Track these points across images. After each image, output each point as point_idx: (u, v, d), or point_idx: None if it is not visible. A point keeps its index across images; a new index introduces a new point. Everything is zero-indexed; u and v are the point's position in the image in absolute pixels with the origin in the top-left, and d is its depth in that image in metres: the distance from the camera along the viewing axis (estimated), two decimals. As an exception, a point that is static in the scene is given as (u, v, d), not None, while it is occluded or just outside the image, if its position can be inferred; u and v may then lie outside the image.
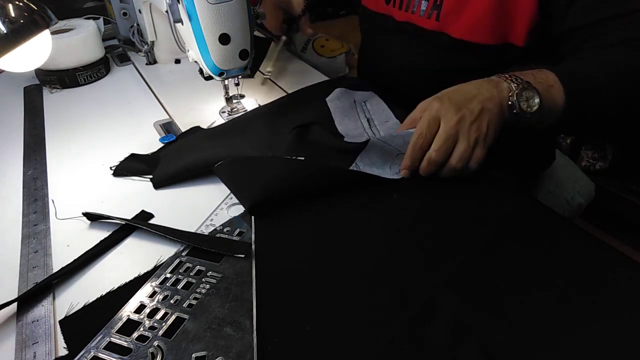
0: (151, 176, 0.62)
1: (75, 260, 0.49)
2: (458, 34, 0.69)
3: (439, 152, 0.53)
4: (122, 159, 0.65)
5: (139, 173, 0.63)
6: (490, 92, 0.54)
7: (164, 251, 0.50)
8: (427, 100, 0.57)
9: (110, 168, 0.64)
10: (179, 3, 0.62)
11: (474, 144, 0.53)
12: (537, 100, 0.53)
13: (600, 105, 0.57)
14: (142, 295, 0.45)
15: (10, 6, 0.56)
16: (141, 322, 0.42)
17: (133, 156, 0.66)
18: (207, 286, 0.45)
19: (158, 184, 0.60)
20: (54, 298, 0.45)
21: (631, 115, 0.59)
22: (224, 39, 0.62)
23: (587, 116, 0.58)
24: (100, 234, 0.52)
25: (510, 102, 0.53)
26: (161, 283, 0.46)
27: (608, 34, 0.58)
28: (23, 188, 0.61)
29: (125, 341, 0.40)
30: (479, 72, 0.67)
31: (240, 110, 0.76)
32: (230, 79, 0.71)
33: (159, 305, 0.43)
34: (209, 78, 0.69)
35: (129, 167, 0.64)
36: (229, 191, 0.58)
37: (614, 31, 0.57)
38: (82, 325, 0.42)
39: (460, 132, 0.53)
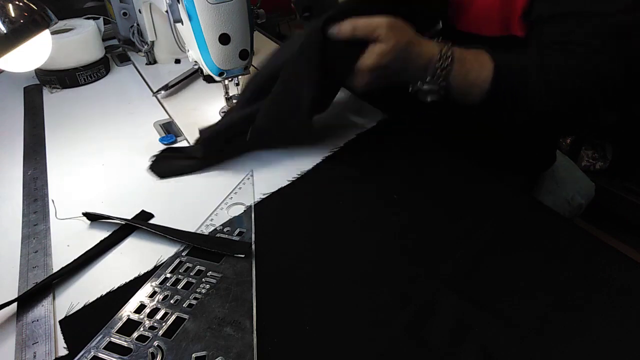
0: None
1: (75, 260, 0.49)
2: (465, 27, 0.69)
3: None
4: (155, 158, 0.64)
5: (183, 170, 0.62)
6: (420, 69, 0.57)
7: (164, 251, 0.50)
8: (400, 33, 0.56)
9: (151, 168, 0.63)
10: (179, 3, 0.62)
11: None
12: (430, 99, 0.58)
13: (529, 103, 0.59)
14: (142, 295, 0.45)
15: (10, 6, 0.56)
16: (141, 322, 0.42)
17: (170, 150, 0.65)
18: (207, 286, 0.45)
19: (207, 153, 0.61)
20: (54, 298, 0.45)
21: (580, 116, 0.62)
22: (224, 39, 0.62)
23: (511, 108, 0.61)
24: (100, 234, 0.52)
25: (415, 88, 0.58)
26: (161, 283, 0.46)
27: (557, 32, 0.58)
28: (23, 188, 0.61)
29: (125, 341, 0.40)
30: None
31: (241, 110, 0.76)
32: (230, 79, 0.71)
33: (159, 305, 0.43)
34: (208, 78, 0.69)
35: (170, 166, 0.63)
36: (229, 191, 0.58)
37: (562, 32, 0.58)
38: (82, 325, 0.42)
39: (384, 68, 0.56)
